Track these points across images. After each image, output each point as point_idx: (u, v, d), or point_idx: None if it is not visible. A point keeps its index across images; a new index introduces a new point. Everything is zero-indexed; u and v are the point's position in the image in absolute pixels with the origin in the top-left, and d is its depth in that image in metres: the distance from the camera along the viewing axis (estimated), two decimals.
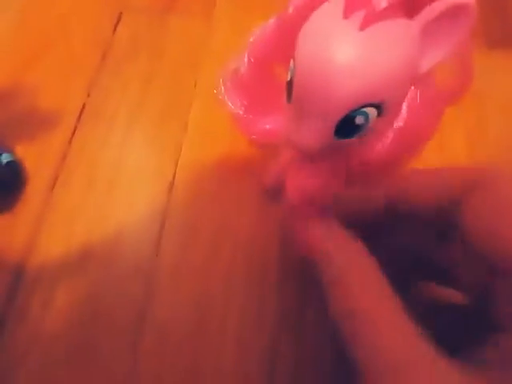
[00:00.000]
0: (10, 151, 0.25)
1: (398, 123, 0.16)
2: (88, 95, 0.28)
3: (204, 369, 0.21)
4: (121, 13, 0.31)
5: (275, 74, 0.21)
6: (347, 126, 0.14)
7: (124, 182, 0.26)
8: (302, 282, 0.23)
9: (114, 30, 0.31)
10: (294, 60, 0.15)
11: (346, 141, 0.15)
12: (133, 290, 0.23)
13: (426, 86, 0.15)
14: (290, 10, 0.17)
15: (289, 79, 0.15)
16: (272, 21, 0.19)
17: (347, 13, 0.13)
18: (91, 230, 0.24)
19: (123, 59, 0.29)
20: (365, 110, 0.13)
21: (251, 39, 0.20)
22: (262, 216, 0.25)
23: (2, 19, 0.31)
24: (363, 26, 0.13)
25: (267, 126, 0.23)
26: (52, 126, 0.27)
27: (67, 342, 0.22)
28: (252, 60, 0.20)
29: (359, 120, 0.14)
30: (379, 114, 0.14)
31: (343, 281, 0.14)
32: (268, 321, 0.22)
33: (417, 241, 0.18)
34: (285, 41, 0.19)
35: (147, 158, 0.26)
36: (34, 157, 0.26)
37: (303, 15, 0.16)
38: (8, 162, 0.24)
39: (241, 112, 0.23)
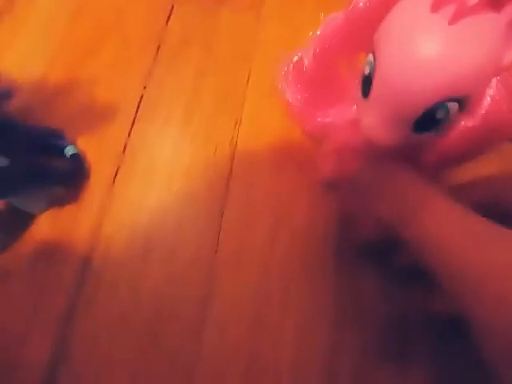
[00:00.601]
0: (73, 144, 0.25)
1: (480, 115, 0.15)
2: (144, 87, 0.28)
3: (263, 360, 0.22)
4: (173, 5, 0.31)
5: (338, 68, 0.21)
6: (427, 121, 0.14)
7: (181, 174, 0.26)
8: (359, 269, 0.23)
9: (167, 22, 0.31)
10: (374, 54, 0.14)
11: (424, 135, 0.14)
12: (194, 281, 0.23)
13: (509, 78, 0.15)
14: (361, 3, 0.17)
15: (367, 73, 0.15)
16: (340, 14, 0.19)
17: (436, 7, 0.13)
18: (153, 220, 0.25)
19: (176, 51, 0.30)
20: (447, 104, 0.13)
21: (318, 31, 0.20)
22: (317, 205, 0.25)
23: (60, 14, 0.31)
24: (453, 21, 0.13)
25: (325, 119, 0.23)
26: (111, 118, 0.27)
27: (133, 328, 0.22)
28: (318, 52, 0.20)
29: (440, 114, 0.14)
30: (460, 109, 0.14)
31: None
32: (328, 311, 0.22)
33: None
34: (354, 34, 0.18)
35: (203, 150, 0.27)
36: (95, 149, 0.26)
37: (375, 8, 0.16)
38: (72, 155, 0.25)
39: (300, 104, 0.23)
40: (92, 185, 0.25)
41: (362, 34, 0.17)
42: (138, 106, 0.28)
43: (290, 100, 0.23)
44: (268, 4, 0.32)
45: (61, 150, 0.25)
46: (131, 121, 0.27)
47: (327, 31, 0.19)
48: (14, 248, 0.24)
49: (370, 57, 0.15)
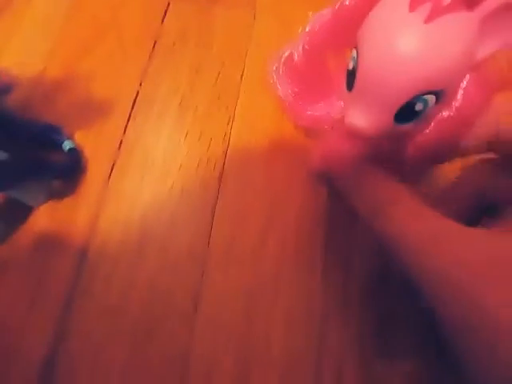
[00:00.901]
0: (70, 138, 0.26)
1: (454, 107, 0.16)
2: (140, 84, 0.29)
3: (254, 354, 0.22)
4: (168, 3, 0.32)
5: (327, 63, 0.21)
6: (407, 112, 0.15)
7: (175, 170, 0.27)
8: (347, 268, 0.24)
9: (163, 19, 0.31)
10: (357, 50, 0.15)
11: (404, 126, 0.15)
12: (187, 274, 0.24)
13: (481, 73, 0.16)
14: (347, 1, 0.18)
15: (351, 68, 0.16)
16: (328, 10, 0.19)
17: (413, 6, 0.14)
18: (147, 215, 0.25)
19: (172, 48, 0.30)
20: (425, 97, 0.14)
21: (307, 28, 0.21)
22: (309, 202, 0.26)
23: (56, 9, 0.32)
24: (429, 19, 0.13)
25: (316, 113, 0.24)
26: (107, 114, 0.28)
27: (127, 321, 0.23)
28: (307, 48, 0.21)
29: (419, 107, 0.15)
30: (437, 101, 0.15)
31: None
32: (317, 305, 0.23)
33: None
34: (340, 31, 0.19)
35: (197, 146, 0.27)
36: (91, 144, 0.27)
37: (360, 6, 0.17)
38: (70, 149, 0.25)
39: (291, 98, 0.24)
40: (89, 179, 0.26)
41: (349, 30, 0.18)
42: (134, 102, 0.28)
43: (282, 94, 0.24)
44: (262, 1, 0.32)
45: (59, 145, 0.26)
46: (127, 117, 0.28)
47: (315, 28, 0.20)
48: (12, 239, 0.24)
49: (354, 52, 0.15)
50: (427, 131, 0.17)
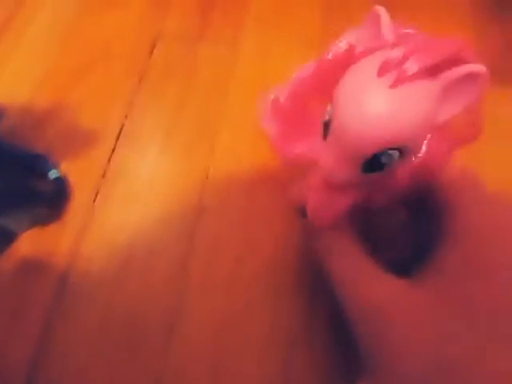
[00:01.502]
0: (57, 167, 0.27)
1: (416, 162, 0.18)
2: (126, 116, 0.30)
3: (226, 376, 0.24)
4: (156, 40, 0.34)
5: (309, 106, 0.23)
6: (373, 164, 0.17)
7: (157, 200, 0.28)
8: (314, 296, 0.26)
9: (150, 55, 0.33)
10: (332, 105, 0.17)
11: (371, 175, 0.17)
12: (164, 301, 0.25)
13: (442, 133, 0.18)
14: (329, 56, 0.20)
15: (326, 120, 0.17)
16: (312, 63, 0.21)
17: (381, 72, 0.15)
18: (129, 242, 0.26)
19: (158, 84, 0.32)
20: (389, 152, 0.16)
21: (293, 76, 0.23)
22: (285, 233, 0.27)
23: (49, 40, 0.33)
24: (394, 86, 0.15)
25: (299, 150, 0.25)
26: (93, 144, 0.29)
27: (107, 340, 0.24)
28: (291, 93, 0.23)
29: (384, 159, 0.16)
30: (401, 156, 0.17)
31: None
32: (285, 337, 0.25)
33: None
34: (321, 81, 0.21)
35: (178, 177, 0.29)
36: (76, 173, 0.28)
37: (340, 63, 0.19)
38: (55, 178, 0.26)
39: (276, 137, 0.25)
40: (73, 206, 0.27)
41: (329, 82, 0.20)
42: (119, 134, 0.30)
43: (269, 133, 0.26)
44: (245, 41, 0.34)
45: (45, 173, 0.27)
46: (112, 147, 0.29)
47: (300, 77, 0.22)
48: None
49: (329, 106, 0.17)
50: (393, 179, 0.19)
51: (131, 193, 0.28)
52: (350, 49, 0.18)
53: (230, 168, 0.29)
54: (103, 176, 0.28)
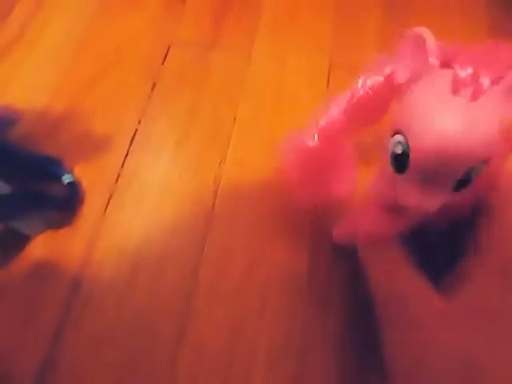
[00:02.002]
0: (70, 172, 0.27)
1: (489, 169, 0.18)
2: (139, 122, 0.31)
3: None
4: (169, 46, 0.34)
5: (338, 149, 0.22)
6: (463, 181, 0.16)
7: (169, 206, 0.28)
8: (327, 303, 0.25)
9: (163, 62, 0.33)
10: (403, 134, 0.17)
11: (459, 193, 0.17)
12: (174, 308, 0.25)
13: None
14: (368, 89, 0.19)
15: (399, 152, 0.17)
16: (338, 100, 0.21)
17: (456, 89, 0.16)
18: (140, 247, 0.27)
19: (171, 90, 0.32)
20: (479, 165, 0.16)
21: (322, 121, 0.21)
22: (296, 241, 0.27)
23: (64, 47, 0.34)
24: (474, 99, 0.15)
25: (327, 191, 0.24)
26: (107, 149, 0.29)
27: (115, 347, 0.24)
28: (323, 135, 0.21)
29: (473, 174, 0.16)
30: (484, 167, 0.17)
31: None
32: (296, 345, 0.24)
33: None
34: (359, 117, 0.21)
35: (190, 184, 0.29)
36: (90, 177, 0.28)
37: (380, 94, 0.19)
38: (69, 183, 0.27)
39: (300, 180, 0.24)
40: (86, 211, 0.27)
41: (369, 117, 0.20)
42: (132, 139, 0.30)
43: (291, 175, 0.24)
44: (257, 49, 0.35)
45: (59, 178, 0.27)
46: (125, 153, 0.29)
47: (330, 119, 0.21)
48: (8, 267, 0.26)
49: (398, 137, 0.17)
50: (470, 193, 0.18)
51: (143, 198, 0.28)
52: (389, 78, 0.18)
53: (241, 175, 0.29)
54: (116, 181, 0.28)
